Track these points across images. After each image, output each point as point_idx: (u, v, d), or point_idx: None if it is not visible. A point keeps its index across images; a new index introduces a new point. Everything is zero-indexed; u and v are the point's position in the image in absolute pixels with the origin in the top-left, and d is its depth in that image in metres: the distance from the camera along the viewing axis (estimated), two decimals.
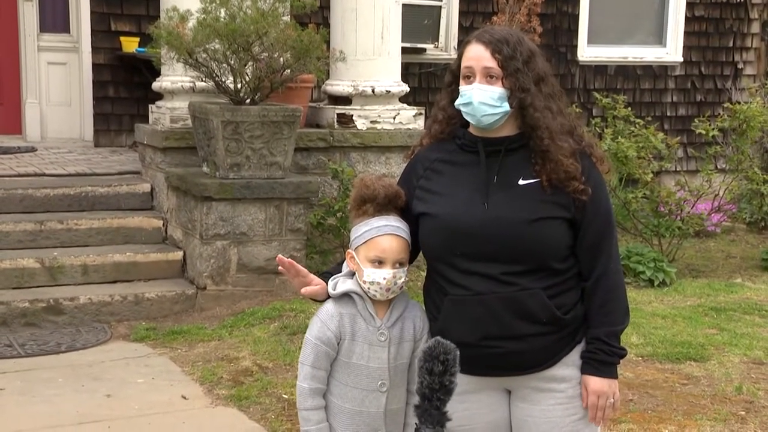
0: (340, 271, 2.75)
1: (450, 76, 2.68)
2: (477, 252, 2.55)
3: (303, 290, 2.70)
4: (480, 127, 2.60)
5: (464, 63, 2.60)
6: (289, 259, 2.70)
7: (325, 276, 2.75)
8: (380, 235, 2.62)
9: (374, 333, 2.66)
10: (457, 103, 2.61)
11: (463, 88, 2.59)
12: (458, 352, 2.33)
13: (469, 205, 2.57)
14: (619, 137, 7.55)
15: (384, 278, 2.61)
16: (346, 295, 2.67)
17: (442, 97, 2.72)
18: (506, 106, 2.56)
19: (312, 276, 2.72)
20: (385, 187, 2.66)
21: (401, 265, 2.64)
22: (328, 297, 2.70)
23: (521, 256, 2.54)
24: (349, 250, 2.70)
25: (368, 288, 2.64)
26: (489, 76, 2.56)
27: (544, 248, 2.55)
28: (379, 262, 2.62)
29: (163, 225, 6.88)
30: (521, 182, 2.57)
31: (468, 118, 2.60)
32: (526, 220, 2.53)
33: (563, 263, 2.59)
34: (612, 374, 2.63)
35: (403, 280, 2.65)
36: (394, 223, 2.64)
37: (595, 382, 2.61)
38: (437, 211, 2.60)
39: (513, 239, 2.53)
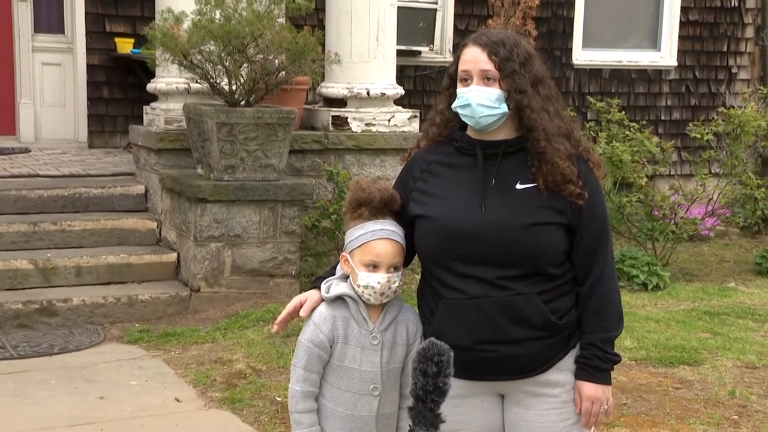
0: (334, 275, 2.75)
1: (448, 80, 2.68)
2: (473, 255, 2.54)
3: (302, 313, 2.68)
4: (478, 129, 2.60)
5: (461, 66, 2.60)
6: (278, 322, 2.70)
7: (318, 281, 2.74)
8: (375, 239, 2.62)
9: (367, 336, 2.65)
10: (454, 105, 2.61)
11: (461, 90, 2.59)
12: (452, 354, 2.32)
13: (467, 208, 2.57)
14: (614, 141, 7.56)
15: (378, 282, 2.61)
16: (339, 298, 2.67)
17: (440, 101, 2.72)
18: (504, 108, 2.56)
19: (298, 299, 2.70)
20: (380, 191, 2.65)
21: (396, 269, 2.63)
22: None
23: (517, 260, 2.54)
24: (344, 253, 2.70)
25: (362, 292, 2.63)
26: (486, 78, 2.56)
27: (541, 253, 2.55)
28: (374, 266, 2.61)
29: (157, 227, 6.87)
30: (519, 186, 2.57)
31: (466, 120, 2.60)
32: (523, 224, 2.53)
33: (559, 268, 2.59)
34: (606, 380, 2.63)
35: (397, 284, 2.65)
36: (390, 227, 2.64)
37: (590, 388, 2.61)
38: (434, 213, 2.60)
39: (510, 244, 2.53)
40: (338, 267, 2.75)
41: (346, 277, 2.70)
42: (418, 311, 2.75)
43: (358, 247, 2.64)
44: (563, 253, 2.59)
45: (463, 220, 2.55)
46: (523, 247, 2.53)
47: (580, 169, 2.58)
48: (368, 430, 2.67)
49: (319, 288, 2.72)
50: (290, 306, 2.70)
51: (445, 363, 2.30)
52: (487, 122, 2.57)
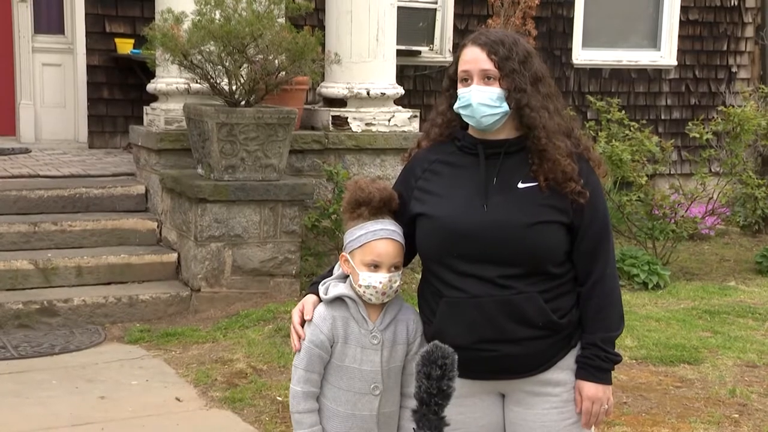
0: (330, 276, 2.75)
1: (447, 81, 2.69)
2: (474, 254, 2.55)
3: (306, 317, 2.67)
4: (480, 129, 2.60)
5: (461, 66, 2.60)
6: (296, 342, 2.67)
7: (314, 286, 2.73)
8: (376, 239, 2.62)
9: (367, 336, 2.65)
10: (455, 106, 2.61)
11: (461, 90, 2.59)
12: (456, 357, 2.31)
13: (468, 207, 2.57)
14: (614, 140, 7.57)
15: (380, 282, 2.61)
16: (338, 299, 2.67)
17: (441, 102, 2.72)
18: (505, 107, 2.56)
19: (298, 310, 2.70)
20: (379, 190, 2.66)
21: (396, 268, 2.64)
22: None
23: (519, 259, 2.54)
24: (344, 253, 2.70)
25: (363, 292, 2.63)
26: (486, 78, 2.56)
27: (542, 252, 2.55)
28: (375, 266, 2.61)
29: (158, 227, 6.87)
30: (520, 185, 2.57)
31: (468, 120, 2.60)
32: (524, 224, 2.53)
33: (560, 267, 2.59)
34: (607, 380, 2.63)
35: (398, 283, 2.65)
36: (390, 227, 2.64)
37: (590, 388, 2.61)
38: (435, 212, 2.60)
39: (511, 243, 2.53)
40: (335, 269, 2.75)
41: (344, 278, 2.70)
42: (418, 310, 2.75)
43: (359, 247, 2.64)
44: (564, 252, 2.59)
45: (465, 219, 2.55)
46: (524, 246, 2.53)
47: (580, 167, 2.59)
48: (369, 429, 2.68)
49: (315, 292, 2.71)
50: (296, 319, 2.69)
51: (449, 366, 2.30)
52: (489, 122, 2.57)
